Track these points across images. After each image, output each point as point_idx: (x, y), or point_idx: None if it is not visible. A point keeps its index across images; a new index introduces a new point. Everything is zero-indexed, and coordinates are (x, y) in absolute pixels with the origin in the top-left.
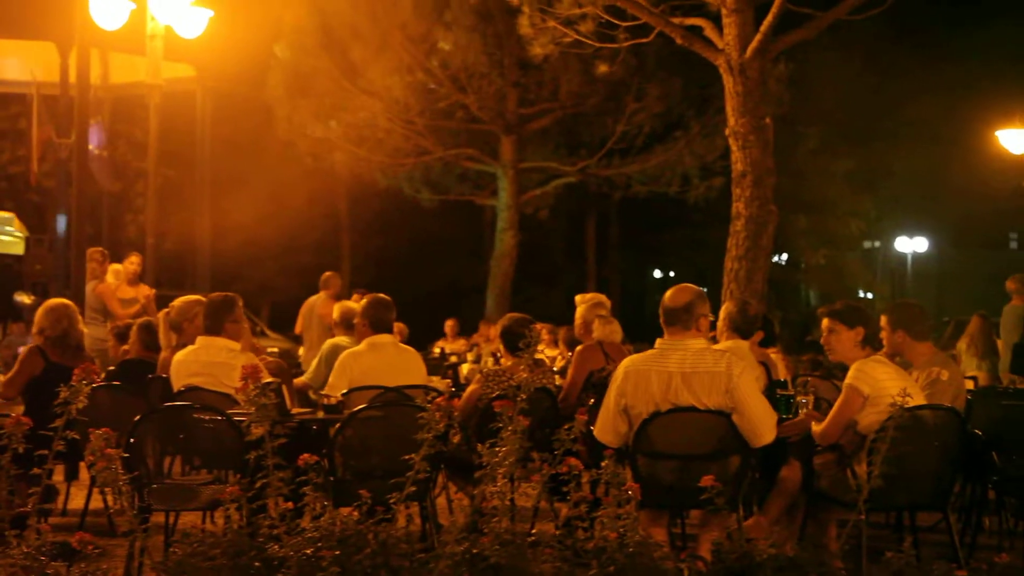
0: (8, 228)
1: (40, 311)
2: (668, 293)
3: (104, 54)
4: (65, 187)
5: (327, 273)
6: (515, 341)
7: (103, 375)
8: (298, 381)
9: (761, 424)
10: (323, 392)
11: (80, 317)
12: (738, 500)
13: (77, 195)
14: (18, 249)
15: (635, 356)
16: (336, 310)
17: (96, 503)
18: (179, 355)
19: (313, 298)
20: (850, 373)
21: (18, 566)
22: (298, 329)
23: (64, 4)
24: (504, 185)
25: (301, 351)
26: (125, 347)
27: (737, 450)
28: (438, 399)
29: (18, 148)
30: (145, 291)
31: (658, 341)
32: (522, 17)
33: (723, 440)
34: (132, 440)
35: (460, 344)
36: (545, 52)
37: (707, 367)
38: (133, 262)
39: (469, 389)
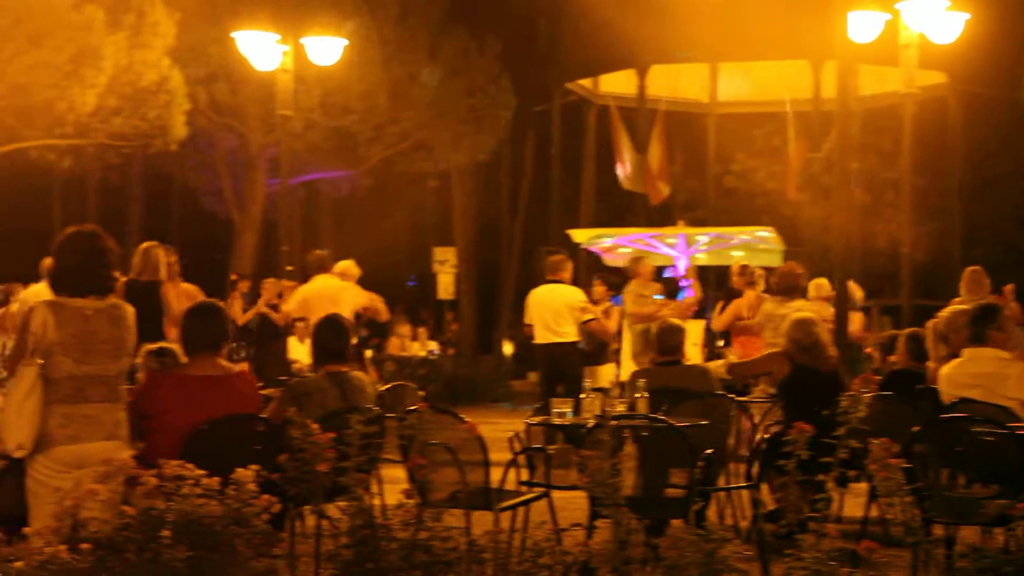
0: (768, 242)
1: (791, 325)
2: None
3: (853, 67)
4: (818, 200)
5: None
6: None
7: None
8: None
9: None
10: None
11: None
12: None
13: (833, 207)
14: (776, 262)
15: None
16: None
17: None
18: (945, 369)
19: None
20: None
21: (809, 569)
22: None
23: (819, 22)
24: None
25: None
26: (892, 357)
27: None
28: None
29: (772, 165)
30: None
31: None
32: None
33: None
34: (912, 451)
35: None
36: None
37: None
38: None
39: None
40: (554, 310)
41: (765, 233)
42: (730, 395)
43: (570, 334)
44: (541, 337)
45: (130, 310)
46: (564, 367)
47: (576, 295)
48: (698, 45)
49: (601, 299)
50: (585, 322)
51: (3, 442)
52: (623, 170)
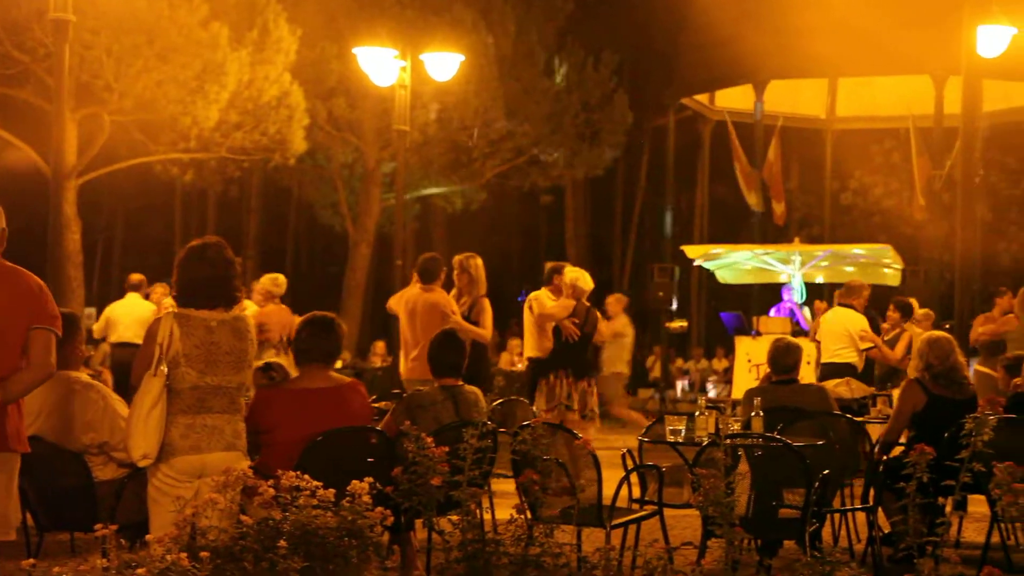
0: (885, 260)
1: (924, 345)
2: None
3: (977, 82)
4: (938, 218)
5: None
6: None
7: None
8: None
9: None
10: None
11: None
12: None
13: (954, 226)
14: (894, 280)
15: None
16: None
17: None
18: None
19: None
20: None
21: None
22: None
23: (944, 38)
24: None
25: None
26: (1017, 380)
27: None
28: None
29: (890, 181)
30: None
31: None
32: None
33: None
34: None
35: None
36: None
37: None
38: None
39: None
40: (836, 333)
41: (883, 251)
42: (847, 415)
43: (845, 356)
44: (824, 356)
45: (252, 323)
46: None
47: (857, 322)
48: (817, 60)
49: (894, 324)
50: (865, 350)
51: (128, 451)
52: (743, 187)
